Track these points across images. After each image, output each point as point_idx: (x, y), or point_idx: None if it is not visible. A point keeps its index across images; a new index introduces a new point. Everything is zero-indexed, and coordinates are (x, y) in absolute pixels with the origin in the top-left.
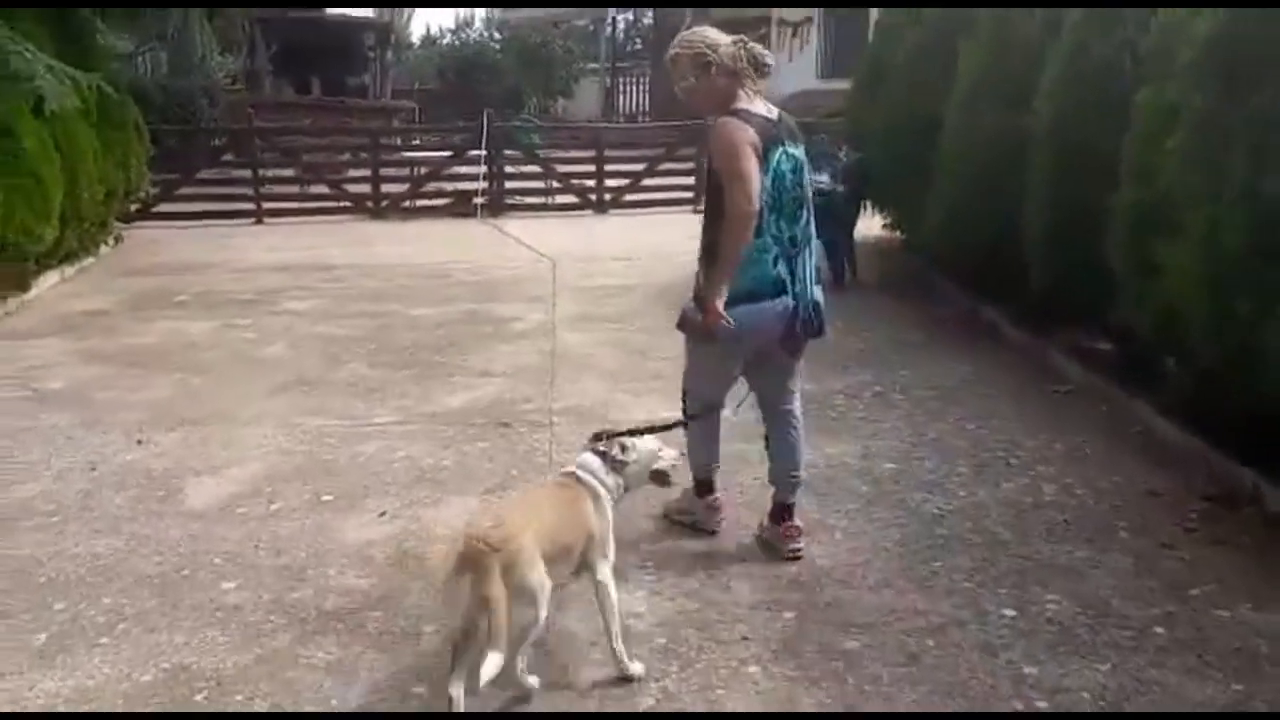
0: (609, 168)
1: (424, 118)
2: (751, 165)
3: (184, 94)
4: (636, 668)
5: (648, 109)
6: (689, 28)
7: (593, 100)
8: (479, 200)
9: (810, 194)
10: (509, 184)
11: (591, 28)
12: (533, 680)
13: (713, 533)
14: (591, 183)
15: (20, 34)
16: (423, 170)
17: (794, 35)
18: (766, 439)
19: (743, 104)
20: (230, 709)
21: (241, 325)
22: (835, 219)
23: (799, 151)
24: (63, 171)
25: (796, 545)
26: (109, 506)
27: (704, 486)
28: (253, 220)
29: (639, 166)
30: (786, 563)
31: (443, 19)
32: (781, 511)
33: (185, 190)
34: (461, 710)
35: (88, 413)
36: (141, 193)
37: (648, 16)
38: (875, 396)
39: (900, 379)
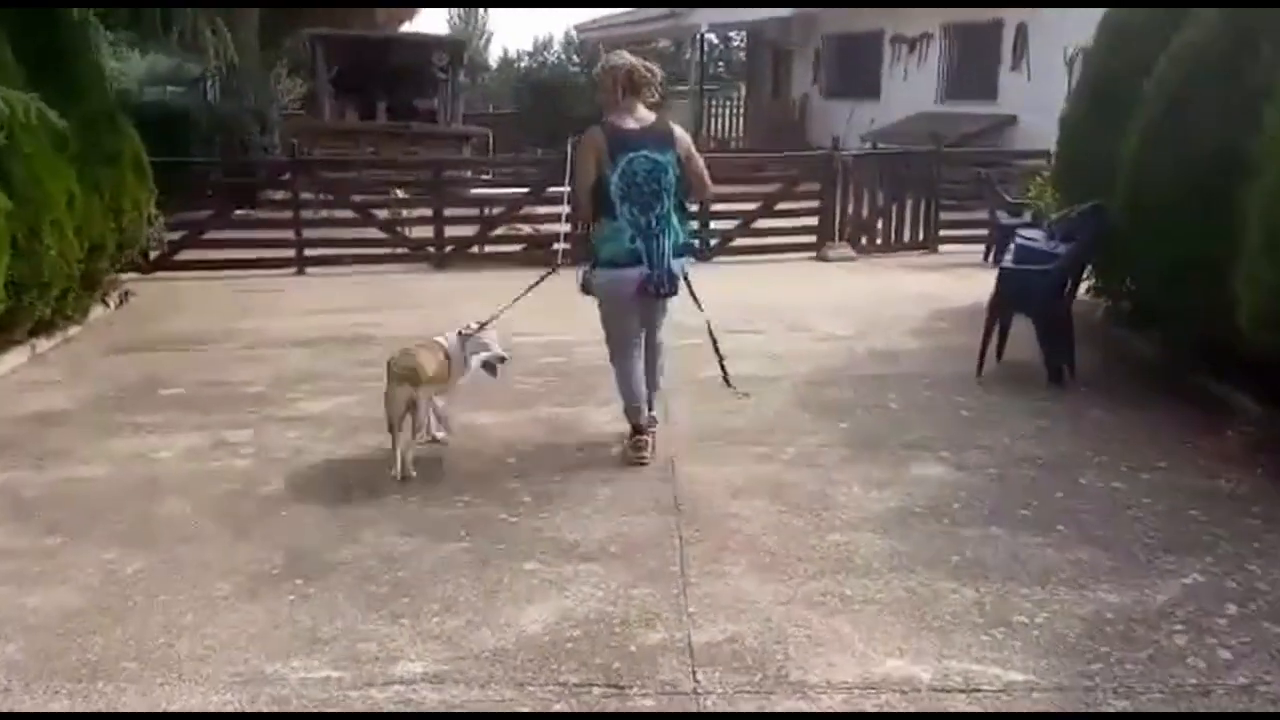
0: (716, 207)
1: (498, 145)
2: (584, 165)
3: (233, 119)
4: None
5: (741, 133)
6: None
7: (682, 124)
8: (560, 246)
9: (669, 188)
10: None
11: (672, 49)
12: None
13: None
14: (695, 224)
15: None
16: (494, 210)
17: (910, 51)
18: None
19: (610, 116)
20: None
21: (233, 444)
22: (1051, 288)
23: (664, 156)
24: (12, 222)
25: (643, 455)
26: None
27: (634, 428)
28: (293, 270)
29: (751, 206)
30: None
31: (520, 41)
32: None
33: (216, 234)
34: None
35: None
36: (150, 242)
37: (735, 37)
38: (1234, 622)
39: (1258, 580)
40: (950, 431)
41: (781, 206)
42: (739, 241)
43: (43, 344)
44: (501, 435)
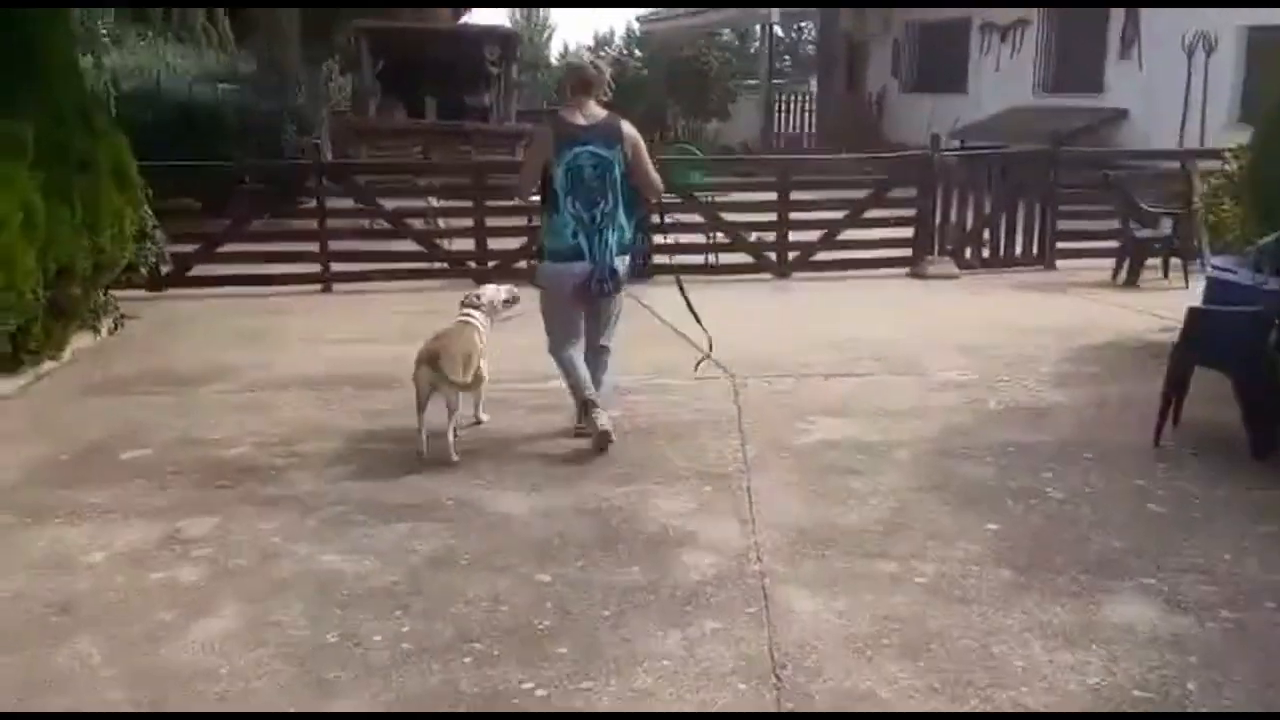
0: (794, 215)
1: None
2: (529, 156)
3: (268, 119)
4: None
5: (812, 130)
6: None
7: (749, 122)
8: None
9: (614, 185)
10: (657, 237)
11: (737, 41)
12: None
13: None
14: (771, 235)
15: None
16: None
17: (1002, 40)
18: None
19: (561, 111)
20: None
21: (187, 541)
22: (1259, 335)
23: (609, 152)
24: None
25: (604, 435)
26: None
27: (582, 406)
28: (319, 287)
29: (835, 214)
30: None
31: (581, 36)
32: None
33: (236, 247)
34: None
35: None
36: (148, 259)
37: (805, 25)
38: None
39: None
40: (1144, 541)
41: (869, 215)
42: (819, 255)
43: (4, 385)
44: (531, 535)
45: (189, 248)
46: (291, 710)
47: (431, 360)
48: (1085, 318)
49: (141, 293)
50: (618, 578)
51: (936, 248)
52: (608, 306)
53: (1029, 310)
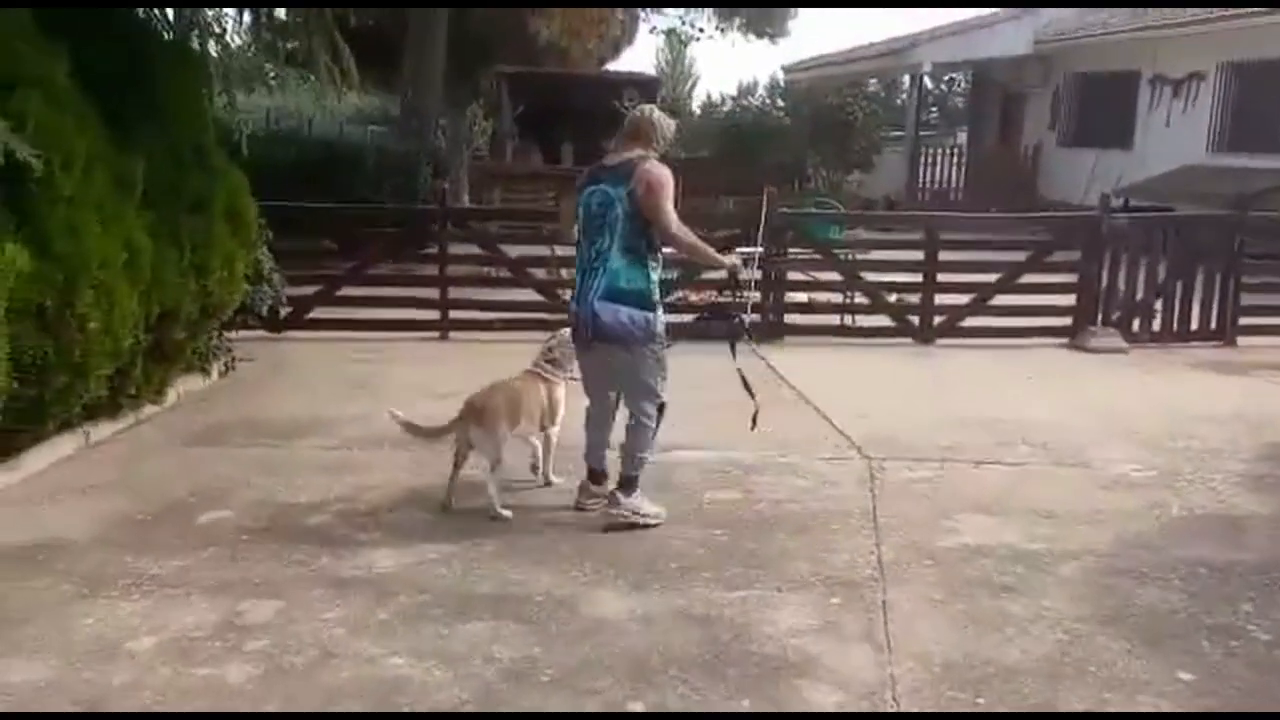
0: (943, 277)
1: (686, 192)
2: (568, 202)
3: (404, 161)
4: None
5: (961, 184)
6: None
7: (893, 174)
8: (747, 318)
9: (614, 224)
10: (790, 294)
11: (883, 93)
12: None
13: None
14: (915, 297)
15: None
16: (671, 273)
17: (1175, 94)
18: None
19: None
20: None
21: (244, 629)
22: None
23: (614, 190)
24: (33, 286)
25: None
26: None
27: (593, 475)
28: (437, 334)
29: (987, 277)
30: None
31: (725, 86)
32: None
33: (357, 291)
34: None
35: None
36: (261, 301)
37: (955, 76)
38: None
39: None
40: None
41: (1026, 279)
42: (967, 321)
43: (103, 429)
44: (627, 647)
45: (310, 290)
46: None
47: (470, 414)
48: (1276, 406)
49: (261, 333)
50: (722, 702)
51: (1100, 318)
52: (609, 360)
53: (1210, 393)
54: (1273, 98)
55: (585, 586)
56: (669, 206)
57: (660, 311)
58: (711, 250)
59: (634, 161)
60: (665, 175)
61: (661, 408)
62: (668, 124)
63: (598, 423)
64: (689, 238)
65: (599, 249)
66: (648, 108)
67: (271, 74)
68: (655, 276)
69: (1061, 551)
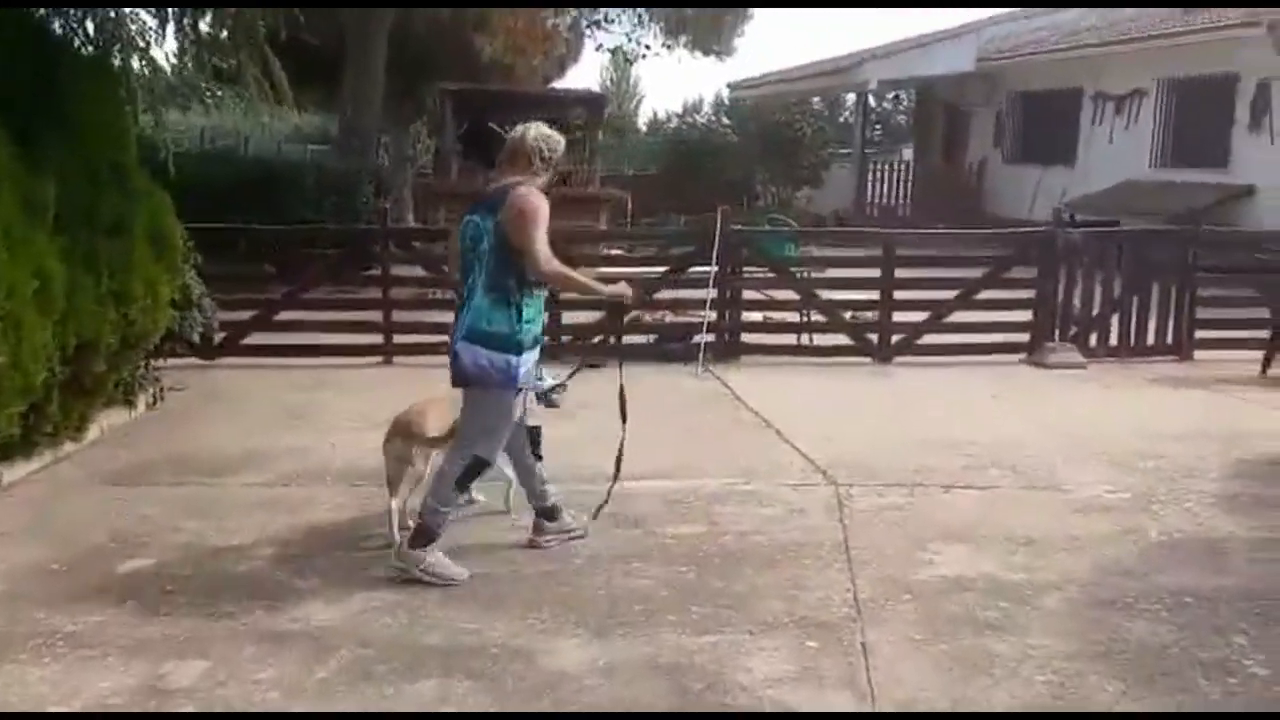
0: (900, 294)
1: (637, 210)
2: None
3: (344, 180)
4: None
5: (907, 200)
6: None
7: (841, 190)
8: (701, 339)
9: (483, 257)
10: (745, 313)
11: (826, 111)
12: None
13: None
14: (872, 314)
15: None
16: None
17: (1117, 111)
18: None
19: None
20: None
21: (166, 694)
22: None
23: (484, 221)
24: None
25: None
26: None
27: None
28: (380, 359)
29: (943, 294)
30: None
31: (670, 103)
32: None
33: (292, 315)
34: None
35: None
36: (191, 328)
37: (899, 98)
38: None
39: None
40: None
41: (983, 295)
42: (925, 339)
43: (17, 470)
44: (590, 700)
45: (246, 314)
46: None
47: (402, 431)
48: (1240, 421)
49: (194, 360)
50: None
51: (1058, 333)
52: (472, 399)
53: (1173, 409)
54: (1212, 113)
55: (543, 635)
56: (539, 236)
57: (526, 354)
58: (590, 280)
59: (507, 189)
60: (536, 204)
61: (476, 466)
62: (551, 144)
63: (515, 466)
64: (561, 271)
65: (469, 285)
66: (529, 126)
67: (207, 92)
68: (526, 315)
69: (1042, 582)
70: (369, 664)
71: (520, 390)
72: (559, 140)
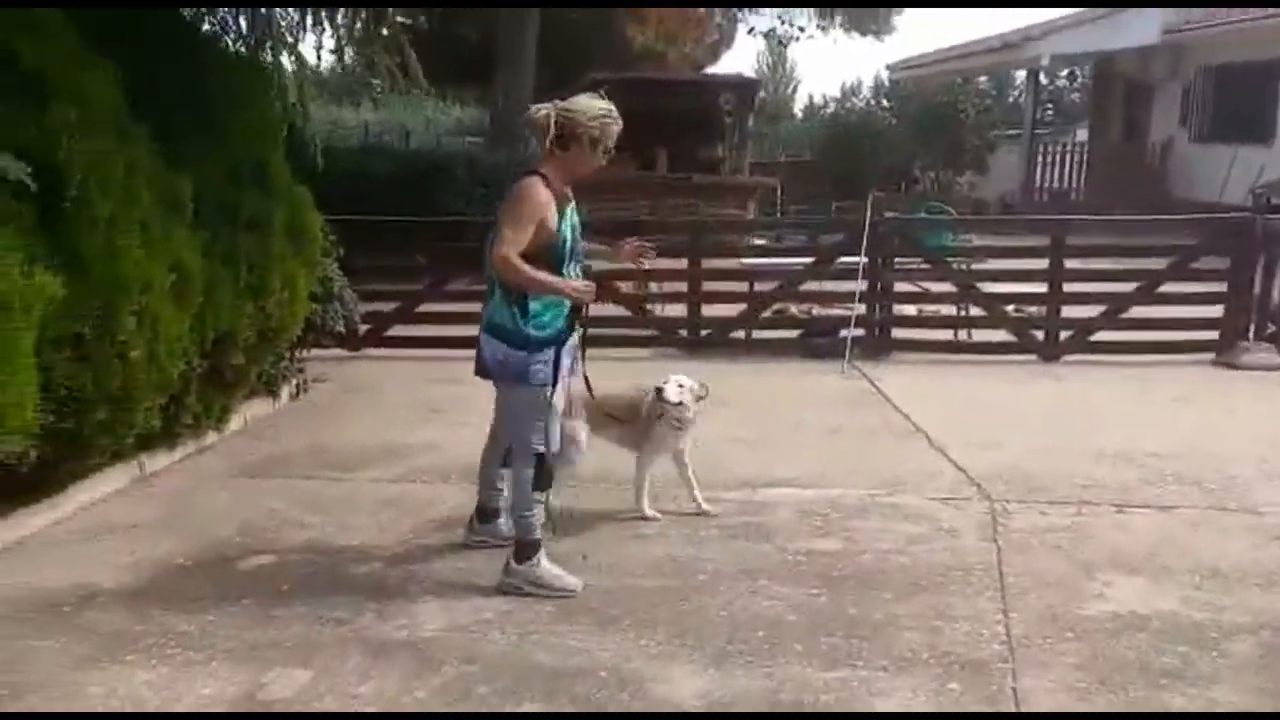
0: (1071, 287)
1: (789, 197)
2: None
3: (493, 171)
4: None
5: (1080, 184)
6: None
7: (1008, 175)
8: (849, 333)
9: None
10: (898, 306)
11: (994, 91)
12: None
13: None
14: (1037, 309)
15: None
16: (769, 284)
17: None
18: None
19: None
20: None
21: (265, 705)
22: None
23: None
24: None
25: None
26: None
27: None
28: None
29: (1120, 286)
30: None
31: (828, 88)
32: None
33: (434, 307)
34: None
35: None
36: (332, 321)
37: (1074, 75)
38: None
39: None
40: None
41: (1167, 288)
42: (1098, 336)
43: (159, 459)
44: None
45: (389, 306)
46: None
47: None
48: None
49: (338, 351)
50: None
51: (1253, 331)
52: (501, 398)
53: None
54: None
55: (656, 660)
56: (510, 225)
57: (542, 353)
58: (548, 278)
59: (518, 177)
60: (524, 190)
61: (540, 462)
62: (575, 113)
63: (486, 456)
64: (513, 265)
65: (489, 277)
66: (540, 106)
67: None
68: (533, 310)
69: (1231, 624)
70: (472, 682)
71: (543, 386)
72: (593, 113)
